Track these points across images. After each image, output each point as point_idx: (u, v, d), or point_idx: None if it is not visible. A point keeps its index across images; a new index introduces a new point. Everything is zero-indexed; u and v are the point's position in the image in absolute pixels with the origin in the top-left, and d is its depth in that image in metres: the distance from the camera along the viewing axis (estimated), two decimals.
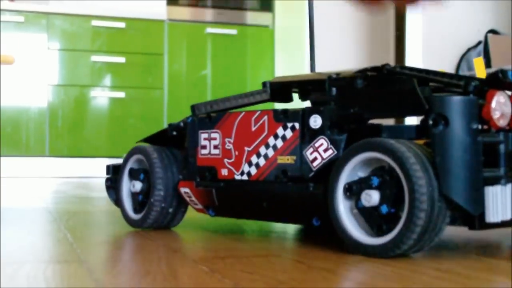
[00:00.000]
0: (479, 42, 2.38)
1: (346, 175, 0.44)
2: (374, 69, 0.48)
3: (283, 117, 0.49)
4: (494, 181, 0.41)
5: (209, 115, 0.55)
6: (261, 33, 2.98)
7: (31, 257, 0.45)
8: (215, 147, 0.54)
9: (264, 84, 0.54)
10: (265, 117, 0.50)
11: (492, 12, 2.46)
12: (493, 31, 2.40)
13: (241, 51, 2.95)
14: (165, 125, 2.79)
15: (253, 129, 0.51)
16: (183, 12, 2.88)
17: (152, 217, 0.58)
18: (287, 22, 2.90)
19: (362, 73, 0.46)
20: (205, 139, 0.55)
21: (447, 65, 2.36)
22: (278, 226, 0.71)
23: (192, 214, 0.85)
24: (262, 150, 0.50)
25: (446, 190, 0.40)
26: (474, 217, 0.41)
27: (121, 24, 2.80)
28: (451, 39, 2.38)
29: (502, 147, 0.42)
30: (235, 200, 0.53)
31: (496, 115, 0.42)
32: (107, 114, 2.83)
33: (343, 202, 0.44)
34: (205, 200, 0.55)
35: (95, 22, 2.77)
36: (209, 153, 0.54)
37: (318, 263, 0.43)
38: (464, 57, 2.38)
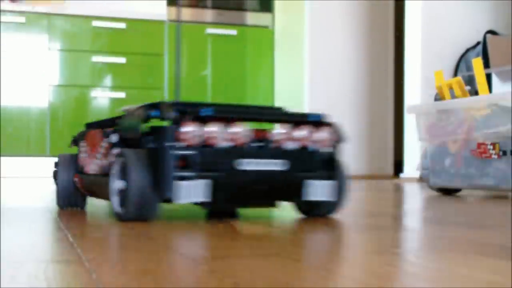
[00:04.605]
0: (478, 43, 2.38)
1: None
2: (153, 105, 0.71)
3: (105, 134, 0.79)
4: (185, 178, 0.65)
5: (83, 132, 0.90)
6: (261, 34, 2.98)
7: (31, 257, 0.45)
8: (84, 152, 0.87)
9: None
10: (99, 134, 0.81)
11: (490, 13, 2.46)
12: (491, 32, 2.40)
13: (241, 52, 2.95)
14: (165, 125, 2.81)
15: (97, 141, 0.81)
16: (184, 13, 2.89)
17: None
18: (287, 22, 2.90)
19: (134, 111, 0.73)
20: (81, 147, 0.89)
21: (446, 66, 2.36)
22: (278, 226, 0.71)
23: (192, 214, 0.85)
24: (99, 154, 0.81)
25: (154, 183, 0.67)
26: (170, 199, 0.66)
27: (122, 25, 2.80)
28: (450, 39, 2.39)
29: (194, 157, 0.66)
30: (90, 186, 0.84)
31: (187, 136, 0.65)
32: (107, 114, 2.83)
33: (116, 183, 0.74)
34: (82, 185, 0.88)
35: (95, 23, 2.78)
36: (82, 156, 0.88)
37: (318, 262, 0.43)
38: (463, 58, 2.38)
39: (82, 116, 2.81)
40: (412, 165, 2.31)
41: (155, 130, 0.67)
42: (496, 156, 1.28)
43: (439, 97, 1.44)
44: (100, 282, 0.35)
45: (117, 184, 0.71)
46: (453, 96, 1.41)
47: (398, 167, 2.94)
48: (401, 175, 2.45)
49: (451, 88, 1.41)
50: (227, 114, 0.67)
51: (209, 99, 2.92)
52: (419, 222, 0.79)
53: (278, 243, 0.54)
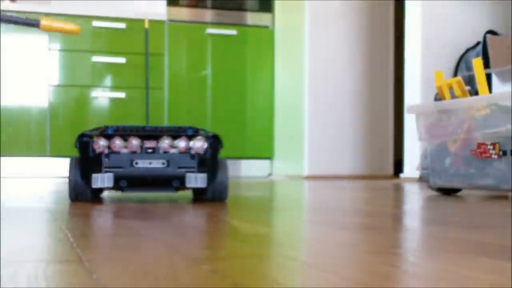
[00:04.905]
0: (478, 43, 2.38)
1: None
2: (97, 129, 1.09)
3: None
4: (98, 171, 1.03)
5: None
6: (261, 34, 2.98)
7: (31, 257, 0.45)
8: None
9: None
10: None
11: (490, 13, 2.46)
12: (491, 32, 2.40)
13: (241, 52, 2.95)
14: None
15: None
16: (183, 13, 2.88)
17: None
18: (286, 22, 2.90)
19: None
20: None
21: (446, 66, 2.36)
22: (278, 226, 0.71)
23: (194, 215, 0.85)
24: None
25: (84, 178, 1.07)
26: (91, 186, 1.04)
27: (122, 25, 2.80)
28: (450, 39, 2.38)
29: (102, 159, 1.04)
30: None
31: (98, 146, 1.05)
32: (107, 114, 2.82)
33: None
34: None
35: (95, 23, 2.78)
36: None
37: (318, 262, 0.43)
38: (463, 58, 2.38)
39: (82, 116, 2.81)
40: (412, 165, 2.31)
41: (83, 142, 1.07)
42: (496, 156, 1.28)
43: (439, 97, 1.44)
44: (100, 282, 0.35)
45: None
46: (453, 96, 1.41)
47: (398, 167, 2.93)
48: (401, 175, 2.45)
49: (451, 88, 1.41)
50: (123, 132, 1.06)
51: (209, 99, 2.92)
52: (419, 222, 0.79)
53: (278, 243, 0.54)
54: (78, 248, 0.49)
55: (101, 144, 1.03)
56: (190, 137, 1.07)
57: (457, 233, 0.62)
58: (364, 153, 2.80)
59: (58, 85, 2.76)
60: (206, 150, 1.06)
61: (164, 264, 0.42)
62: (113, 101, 2.81)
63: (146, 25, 1.35)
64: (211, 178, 1.07)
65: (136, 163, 1.03)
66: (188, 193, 1.33)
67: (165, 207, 0.99)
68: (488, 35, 2.33)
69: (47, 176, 2.74)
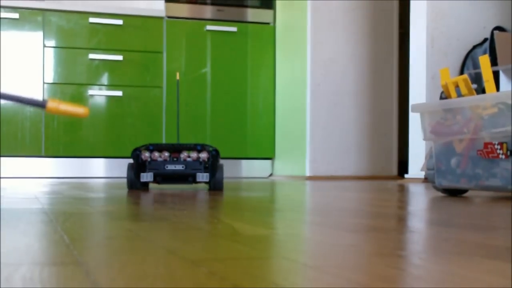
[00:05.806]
0: (485, 39, 2.36)
1: None
2: (143, 145, 1.66)
3: None
4: (144, 171, 1.62)
5: None
6: (261, 30, 2.96)
7: (27, 259, 0.44)
8: None
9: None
10: None
11: (498, 9, 2.44)
12: (499, 28, 2.38)
13: (241, 49, 2.93)
14: (164, 125, 2.97)
15: None
16: (182, 9, 2.87)
17: None
18: (288, 19, 2.88)
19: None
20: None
21: (451, 63, 2.34)
22: (279, 228, 0.70)
23: (194, 216, 0.84)
24: None
25: (138, 175, 1.62)
26: (140, 180, 1.62)
27: (119, 21, 2.78)
28: (456, 36, 2.36)
29: (147, 164, 1.65)
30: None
31: (144, 156, 1.63)
32: (104, 113, 2.81)
33: None
34: None
35: (92, 19, 2.76)
36: None
37: (319, 264, 0.42)
38: (470, 55, 2.36)
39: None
40: (417, 165, 2.29)
41: (136, 154, 1.61)
42: (503, 156, 1.26)
43: (444, 96, 1.43)
44: (97, 285, 0.35)
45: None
46: (459, 95, 1.39)
47: (402, 167, 2.92)
48: (406, 175, 2.43)
49: (457, 86, 1.39)
50: (159, 148, 1.61)
51: (208, 97, 2.91)
52: (424, 224, 0.78)
53: (279, 245, 0.54)
54: (74, 251, 0.48)
55: (146, 154, 1.61)
56: (199, 151, 1.63)
57: (463, 235, 0.61)
58: (367, 153, 2.78)
59: (54, 83, 2.74)
60: (208, 159, 1.62)
61: (162, 266, 0.41)
62: (110, 99, 2.80)
63: (178, 77, 1.64)
64: (212, 176, 1.62)
65: (167, 167, 1.61)
66: (203, 186, 1.87)
67: (164, 208, 0.99)
68: (496, 32, 2.31)
69: (42, 177, 2.73)
